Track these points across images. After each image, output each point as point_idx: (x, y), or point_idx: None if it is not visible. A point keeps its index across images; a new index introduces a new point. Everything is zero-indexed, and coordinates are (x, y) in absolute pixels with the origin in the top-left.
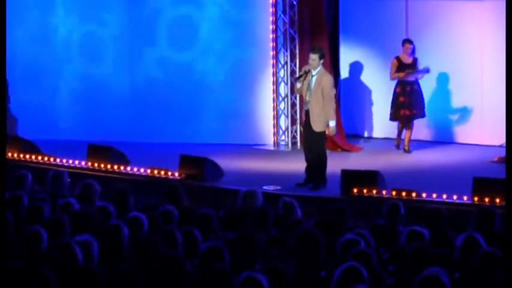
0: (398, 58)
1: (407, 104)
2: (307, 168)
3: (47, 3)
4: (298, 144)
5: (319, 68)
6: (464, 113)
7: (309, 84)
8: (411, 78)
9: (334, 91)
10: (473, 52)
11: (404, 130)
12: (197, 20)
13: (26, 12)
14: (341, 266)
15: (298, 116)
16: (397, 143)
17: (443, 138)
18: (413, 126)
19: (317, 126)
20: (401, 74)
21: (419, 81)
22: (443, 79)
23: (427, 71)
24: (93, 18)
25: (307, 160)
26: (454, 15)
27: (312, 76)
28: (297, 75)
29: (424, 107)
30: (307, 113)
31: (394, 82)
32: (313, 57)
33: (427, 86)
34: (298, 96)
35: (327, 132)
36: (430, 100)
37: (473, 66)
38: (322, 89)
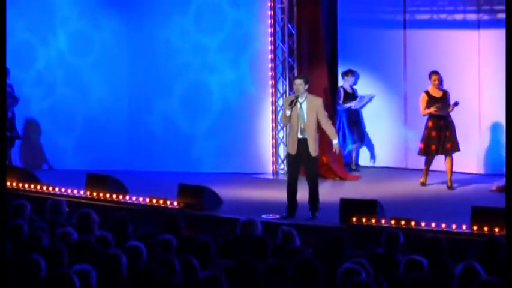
0: (427, 92)
1: (439, 139)
2: (291, 198)
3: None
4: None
5: (305, 95)
6: (462, 141)
7: (299, 112)
8: (443, 113)
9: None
10: (471, 81)
11: (438, 164)
12: (196, 49)
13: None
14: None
15: None
16: (423, 180)
17: (442, 167)
18: (452, 160)
19: (314, 151)
20: (432, 110)
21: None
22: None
23: (456, 104)
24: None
25: (292, 189)
26: (453, 43)
27: (300, 103)
28: (288, 102)
29: (457, 141)
30: (302, 141)
31: (391, 111)
32: (299, 82)
33: None
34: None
35: (334, 149)
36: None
37: (471, 94)
38: (317, 113)
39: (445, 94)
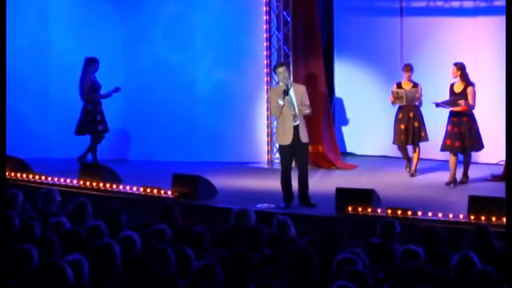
0: (451, 86)
1: (456, 134)
2: (288, 188)
3: (40, 18)
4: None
5: (290, 81)
6: None
7: (289, 100)
8: (456, 108)
9: None
10: (468, 69)
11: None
12: (192, 38)
13: (21, 27)
14: (333, 286)
15: None
16: (450, 179)
17: (439, 156)
18: (470, 158)
19: (306, 137)
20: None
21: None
22: (436, 96)
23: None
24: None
25: (288, 180)
26: (448, 31)
27: (288, 90)
28: (278, 93)
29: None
30: (296, 128)
31: (387, 100)
32: (283, 69)
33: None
34: None
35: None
36: (425, 119)
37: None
38: (302, 99)
39: (465, 88)
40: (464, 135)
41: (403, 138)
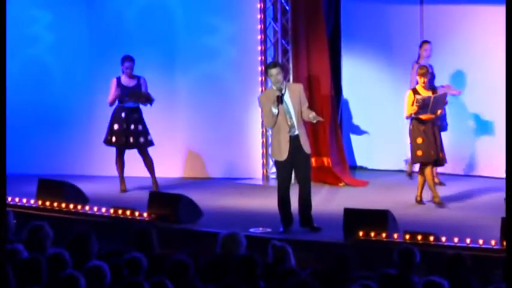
0: None
1: None
2: (287, 210)
3: None
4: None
5: (284, 84)
6: (489, 137)
7: (284, 107)
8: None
9: None
10: (498, 63)
11: None
12: (171, 30)
13: None
14: None
15: None
16: None
17: (465, 170)
18: None
19: (307, 147)
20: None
21: None
22: (463, 95)
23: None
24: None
25: (287, 201)
26: (477, 21)
27: (282, 96)
28: (271, 99)
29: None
30: (294, 139)
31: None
32: (276, 71)
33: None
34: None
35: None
36: (449, 121)
37: (498, 80)
38: (301, 102)
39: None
40: None
41: (433, 154)
